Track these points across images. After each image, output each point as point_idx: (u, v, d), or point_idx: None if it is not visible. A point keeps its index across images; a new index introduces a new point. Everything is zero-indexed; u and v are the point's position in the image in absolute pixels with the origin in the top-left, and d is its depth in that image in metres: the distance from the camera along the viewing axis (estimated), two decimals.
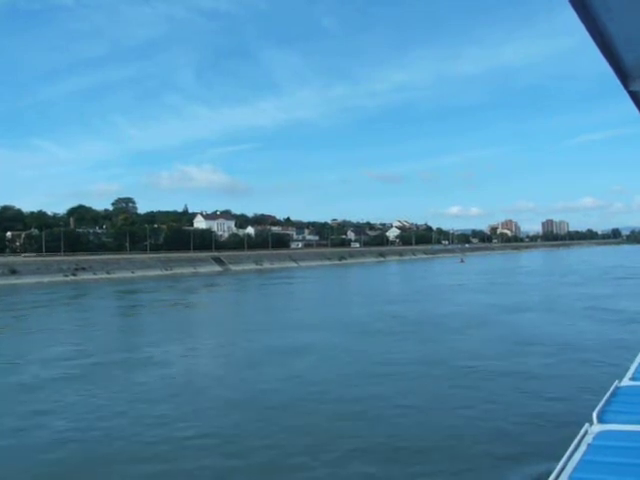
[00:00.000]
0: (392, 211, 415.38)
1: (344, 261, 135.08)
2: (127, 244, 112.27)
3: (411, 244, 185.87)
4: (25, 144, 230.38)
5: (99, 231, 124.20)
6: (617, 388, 5.10)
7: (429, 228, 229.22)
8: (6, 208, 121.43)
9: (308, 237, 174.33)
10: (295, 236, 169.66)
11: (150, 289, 63.12)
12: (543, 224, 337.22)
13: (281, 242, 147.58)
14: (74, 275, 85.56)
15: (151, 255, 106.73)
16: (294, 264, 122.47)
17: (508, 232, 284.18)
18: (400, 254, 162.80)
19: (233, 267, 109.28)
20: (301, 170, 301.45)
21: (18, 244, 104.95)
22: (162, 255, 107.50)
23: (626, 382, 5.34)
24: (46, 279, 79.99)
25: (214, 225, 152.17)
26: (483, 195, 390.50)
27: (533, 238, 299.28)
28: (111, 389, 16.58)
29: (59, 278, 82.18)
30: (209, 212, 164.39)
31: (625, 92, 4.50)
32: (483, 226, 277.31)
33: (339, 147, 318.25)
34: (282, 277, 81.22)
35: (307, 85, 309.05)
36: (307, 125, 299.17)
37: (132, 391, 16.32)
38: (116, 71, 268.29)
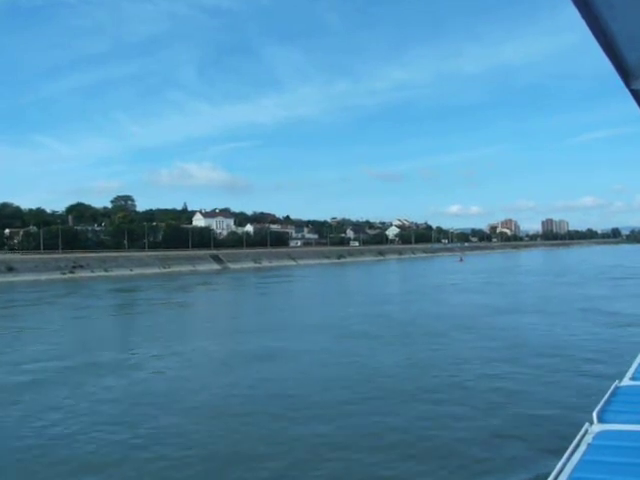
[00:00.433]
0: (392, 210, 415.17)
1: (343, 260, 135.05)
2: (125, 242, 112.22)
3: (411, 243, 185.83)
4: (27, 140, 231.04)
5: (97, 229, 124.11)
6: (617, 388, 5.07)
7: (429, 227, 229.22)
8: (5, 205, 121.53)
9: (307, 235, 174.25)
10: (294, 234, 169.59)
11: (144, 287, 63.04)
12: (543, 223, 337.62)
13: (280, 240, 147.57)
14: (72, 273, 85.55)
15: (149, 253, 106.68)
16: (293, 262, 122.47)
17: (508, 231, 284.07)
18: (399, 253, 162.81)
19: (232, 265, 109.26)
20: (301, 168, 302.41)
21: (16, 241, 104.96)
22: (160, 253, 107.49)
23: (626, 382, 5.32)
24: (43, 277, 79.99)
25: (213, 223, 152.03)
26: (483, 194, 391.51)
27: (533, 237, 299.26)
28: (61, 395, 16.01)
29: (56, 276, 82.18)
30: (208, 210, 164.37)
31: (627, 91, 4.46)
32: (483, 225, 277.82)
33: (339, 145, 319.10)
34: (279, 276, 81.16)
35: (308, 82, 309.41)
36: (308, 122, 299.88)
37: (87, 400, 15.54)
38: (118, 68, 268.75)
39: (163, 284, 67.40)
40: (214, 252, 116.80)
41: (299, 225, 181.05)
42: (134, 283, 70.10)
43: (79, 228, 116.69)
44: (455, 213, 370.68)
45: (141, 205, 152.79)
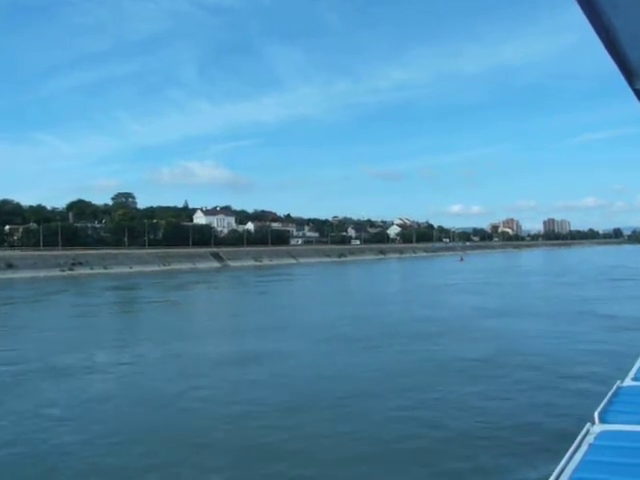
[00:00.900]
0: (393, 209, 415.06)
1: (344, 258, 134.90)
2: (125, 239, 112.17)
3: (412, 242, 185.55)
4: (28, 138, 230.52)
5: (97, 226, 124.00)
6: (619, 388, 5.05)
7: (430, 226, 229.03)
8: (5, 202, 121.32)
9: (308, 234, 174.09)
10: (295, 233, 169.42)
11: (142, 285, 62.93)
12: (544, 223, 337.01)
13: (281, 239, 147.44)
14: (71, 270, 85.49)
15: (149, 250, 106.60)
16: (293, 261, 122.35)
17: (509, 231, 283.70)
18: (400, 252, 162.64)
19: (232, 263, 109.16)
20: (302, 166, 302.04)
21: (16, 238, 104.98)
22: (160, 250, 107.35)
23: (628, 382, 5.29)
24: (42, 273, 79.91)
25: (214, 221, 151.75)
26: (484, 193, 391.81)
27: (534, 237, 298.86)
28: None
29: (56, 273, 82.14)
30: (209, 208, 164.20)
31: (630, 90, 4.46)
32: (484, 224, 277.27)
33: (341, 144, 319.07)
34: (279, 274, 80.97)
35: (309, 81, 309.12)
36: (309, 121, 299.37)
37: (31, 404, 14.88)
38: (119, 66, 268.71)
39: (161, 282, 67.24)
40: (214, 250, 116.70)
41: (300, 223, 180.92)
42: (132, 281, 70.00)
43: (79, 225, 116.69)
44: (456, 212, 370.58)
45: (142, 203, 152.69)
